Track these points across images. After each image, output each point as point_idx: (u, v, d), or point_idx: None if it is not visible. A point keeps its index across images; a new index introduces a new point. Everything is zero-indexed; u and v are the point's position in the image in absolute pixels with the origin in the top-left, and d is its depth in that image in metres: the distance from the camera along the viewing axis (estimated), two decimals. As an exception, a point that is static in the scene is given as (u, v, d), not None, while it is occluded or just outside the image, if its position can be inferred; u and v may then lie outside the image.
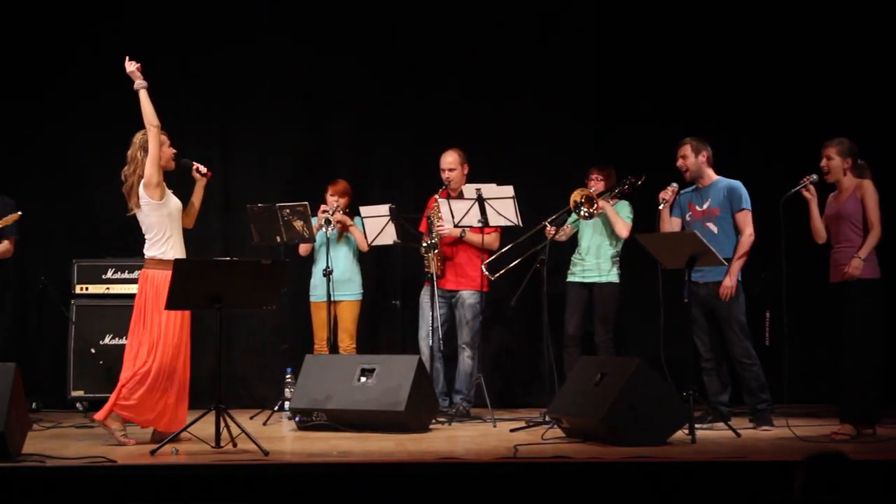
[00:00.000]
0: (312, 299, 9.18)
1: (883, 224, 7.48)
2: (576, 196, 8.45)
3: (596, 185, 8.75)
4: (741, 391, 8.20)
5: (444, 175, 8.92)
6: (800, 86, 9.73)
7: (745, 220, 8.05)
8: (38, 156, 9.62)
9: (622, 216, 8.67)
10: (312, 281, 9.19)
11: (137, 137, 7.43)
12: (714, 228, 8.06)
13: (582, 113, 9.94)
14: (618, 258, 8.76)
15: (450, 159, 8.93)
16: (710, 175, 8.21)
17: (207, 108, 9.89)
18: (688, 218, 8.23)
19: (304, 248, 9.12)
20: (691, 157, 8.16)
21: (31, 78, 9.64)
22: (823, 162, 7.63)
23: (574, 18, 9.98)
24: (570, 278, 8.86)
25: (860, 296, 7.44)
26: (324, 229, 8.75)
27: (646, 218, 8.57)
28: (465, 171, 8.96)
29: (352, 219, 9.04)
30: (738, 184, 8.14)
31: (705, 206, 8.15)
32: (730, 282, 7.95)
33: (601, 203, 8.52)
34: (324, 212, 8.86)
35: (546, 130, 9.84)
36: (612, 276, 8.75)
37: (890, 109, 9.53)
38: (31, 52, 9.66)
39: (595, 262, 8.75)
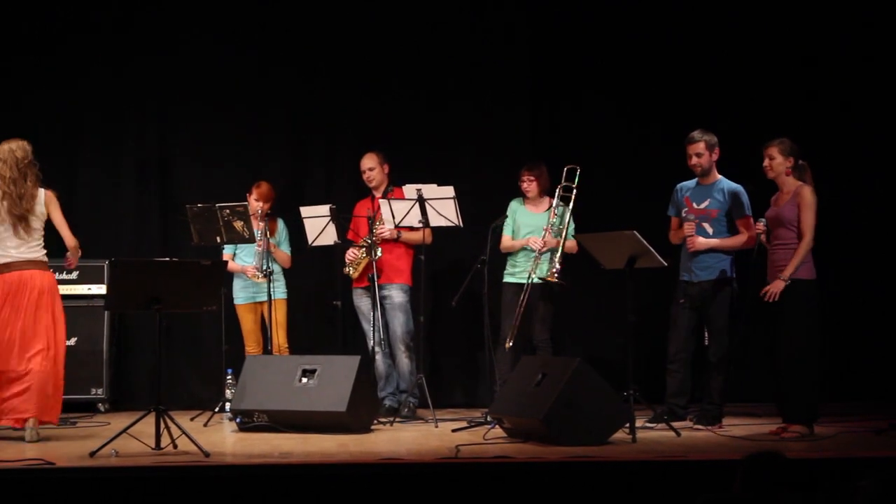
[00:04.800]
0: (238, 302, 9.15)
1: (818, 226, 7.55)
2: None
3: (528, 185, 8.79)
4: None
5: (366, 176, 9.04)
6: (744, 82, 9.82)
7: (748, 226, 7.92)
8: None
9: (570, 233, 8.65)
10: (235, 283, 9.16)
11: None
12: (709, 229, 7.99)
13: (520, 111, 9.97)
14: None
15: (368, 162, 9.04)
16: (715, 174, 8.09)
17: (144, 109, 9.82)
18: (683, 214, 8.10)
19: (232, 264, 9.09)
20: (706, 156, 8.00)
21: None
22: (766, 161, 7.70)
23: (508, 14, 10.00)
24: (508, 279, 8.83)
25: (797, 297, 7.52)
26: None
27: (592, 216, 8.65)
28: (386, 171, 9.04)
29: (275, 221, 9.07)
30: (740, 188, 8.01)
31: (703, 206, 8.03)
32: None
33: (549, 239, 8.55)
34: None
35: (485, 130, 9.86)
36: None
37: (831, 108, 9.67)
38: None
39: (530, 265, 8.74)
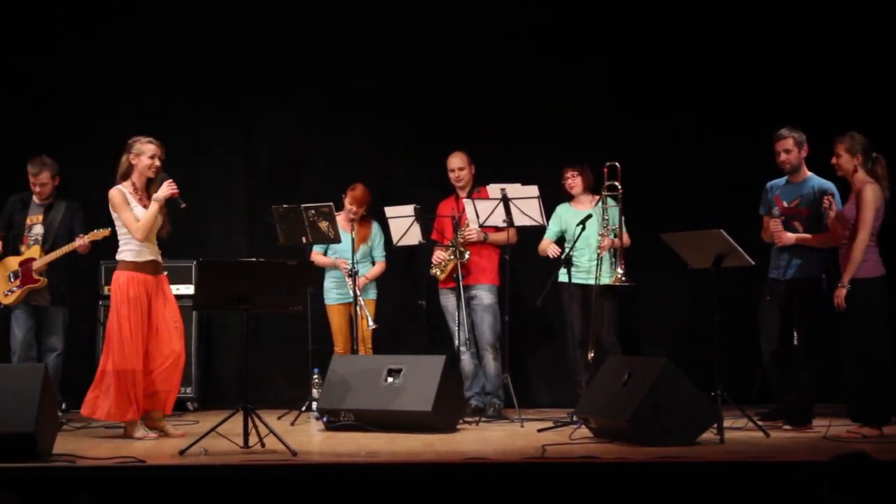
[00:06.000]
0: (329, 302, 9.23)
1: (890, 221, 7.45)
2: None
3: (572, 181, 8.80)
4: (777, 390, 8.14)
5: (454, 175, 9.03)
6: (807, 77, 9.70)
7: (837, 223, 7.74)
8: (71, 159, 9.61)
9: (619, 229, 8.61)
10: (326, 283, 9.23)
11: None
12: (799, 227, 7.89)
13: (597, 114, 9.95)
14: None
15: (458, 161, 9.03)
16: (805, 171, 7.99)
17: (230, 110, 9.92)
18: (774, 212, 8.00)
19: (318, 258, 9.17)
20: (795, 152, 7.89)
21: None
22: (834, 159, 7.61)
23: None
24: (565, 278, 8.66)
25: (863, 296, 7.40)
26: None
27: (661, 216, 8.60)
28: (473, 171, 9.03)
29: (369, 226, 9.14)
30: (830, 185, 7.88)
31: (793, 203, 7.93)
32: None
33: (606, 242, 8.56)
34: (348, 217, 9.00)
35: (567, 130, 9.84)
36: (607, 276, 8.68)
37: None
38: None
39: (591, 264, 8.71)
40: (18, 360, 8.54)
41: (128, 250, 7.62)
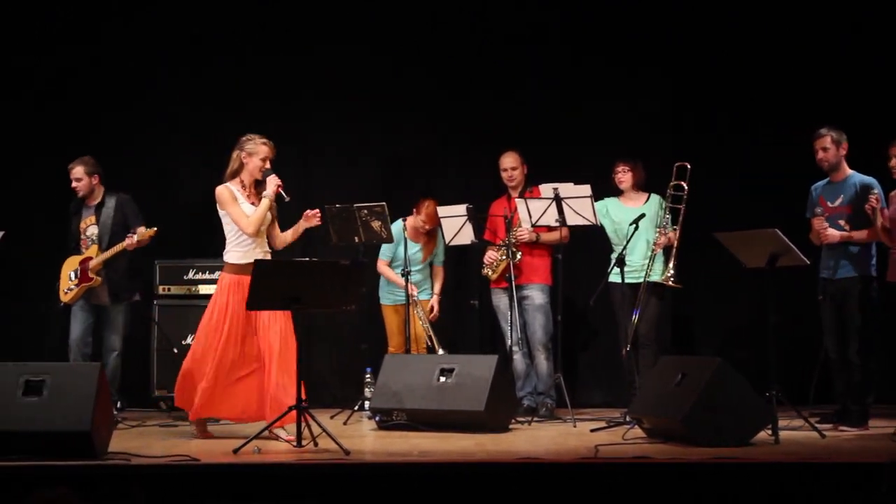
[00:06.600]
0: (384, 302, 9.25)
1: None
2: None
3: (623, 176, 8.77)
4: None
5: (507, 175, 9.03)
6: (863, 79, 9.62)
7: (882, 219, 7.72)
8: (129, 157, 9.74)
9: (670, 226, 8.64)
10: (382, 283, 9.26)
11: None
12: (845, 226, 7.85)
13: (658, 115, 9.90)
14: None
15: (511, 161, 9.03)
16: (845, 169, 7.97)
17: (281, 110, 9.96)
18: (816, 211, 7.97)
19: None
20: (833, 150, 7.89)
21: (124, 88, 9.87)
22: (892, 161, 7.56)
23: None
24: (615, 279, 8.63)
25: None
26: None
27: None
28: (525, 171, 9.02)
29: (435, 241, 9.23)
30: (872, 181, 7.85)
31: (837, 203, 7.91)
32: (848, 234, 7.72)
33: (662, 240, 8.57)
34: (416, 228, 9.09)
35: (620, 130, 9.80)
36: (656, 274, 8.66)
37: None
38: (124, 68, 9.90)
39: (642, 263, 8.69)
40: (73, 358, 8.62)
41: (234, 251, 7.56)
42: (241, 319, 7.42)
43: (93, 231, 8.75)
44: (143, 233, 8.49)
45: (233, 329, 7.43)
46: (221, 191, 7.53)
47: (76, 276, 8.68)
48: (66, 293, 8.70)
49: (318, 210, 7.64)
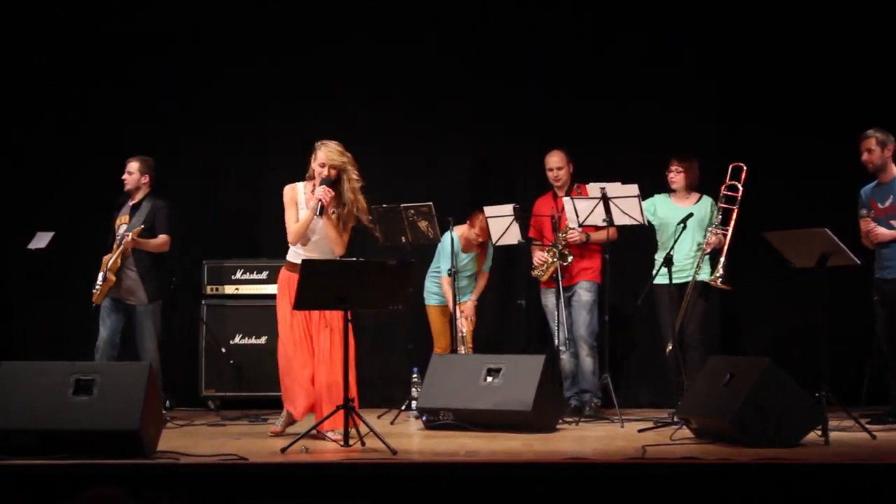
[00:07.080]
0: (430, 303, 9.26)
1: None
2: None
3: (676, 176, 8.72)
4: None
5: (553, 174, 9.00)
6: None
7: None
8: (176, 159, 9.78)
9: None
10: (427, 284, 9.26)
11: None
12: None
13: (705, 113, 9.84)
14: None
15: (557, 161, 9.01)
16: (892, 170, 7.96)
17: (326, 110, 9.97)
18: (871, 216, 7.97)
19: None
20: (877, 151, 7.91)
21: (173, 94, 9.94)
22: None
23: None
24: (661, 280, 8.56)
25: None
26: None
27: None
28: (571, 170, 8.98)
29: (486, 251, 9.19)
30: None
31: (887, 203, 7.89)
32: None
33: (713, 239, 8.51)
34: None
35: (666, 130, 9.74)
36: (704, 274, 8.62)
37: None
38: (173, 75, 9.96)
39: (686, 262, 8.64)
40: (99, 359, 8.59)
41: (291, 249, 7.59)
42: (300, 315, 7.45)
43: (123, 230, 8.77)
44: (135, 233, 8.53)
45: (296, 322, 7.47)
46: (285, 190, 7.57)
47: (103, 276, 8.72)
48: (94, 292, 8.75)
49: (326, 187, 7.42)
